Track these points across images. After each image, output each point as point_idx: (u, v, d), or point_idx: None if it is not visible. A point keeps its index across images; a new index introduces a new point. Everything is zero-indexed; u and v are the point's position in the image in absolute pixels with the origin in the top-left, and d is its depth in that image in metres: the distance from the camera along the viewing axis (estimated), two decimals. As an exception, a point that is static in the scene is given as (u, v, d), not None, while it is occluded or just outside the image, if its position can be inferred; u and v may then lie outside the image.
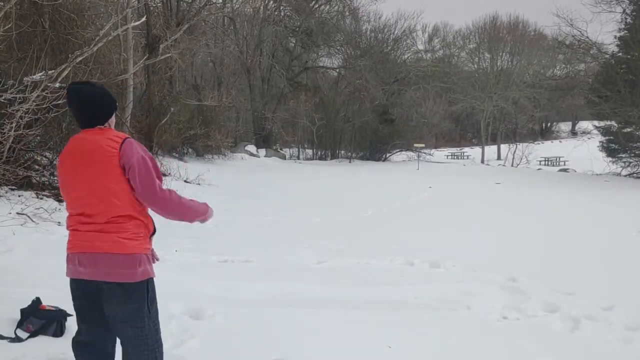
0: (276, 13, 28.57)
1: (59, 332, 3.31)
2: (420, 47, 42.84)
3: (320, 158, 28.06)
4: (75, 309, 2.37)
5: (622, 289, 6.11)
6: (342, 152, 28.82)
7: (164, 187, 2.34)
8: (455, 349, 4.15)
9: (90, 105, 2.28)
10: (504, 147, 36.91)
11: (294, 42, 28.66)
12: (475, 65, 43.01)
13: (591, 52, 23.69)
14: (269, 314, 4.11)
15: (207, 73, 29.05)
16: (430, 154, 30.32)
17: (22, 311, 3.40)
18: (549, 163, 33.36)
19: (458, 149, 46.13)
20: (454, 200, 13.46)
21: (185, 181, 13.11)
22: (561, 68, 46.96)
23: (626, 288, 6.19)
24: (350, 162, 26.16)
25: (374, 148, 28.43)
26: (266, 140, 26.74)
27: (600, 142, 22.90)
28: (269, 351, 3.62)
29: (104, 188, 2.21)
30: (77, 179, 2.25)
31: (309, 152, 29.63)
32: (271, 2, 27.98)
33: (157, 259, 2.45)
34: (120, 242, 2.21)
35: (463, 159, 38.85)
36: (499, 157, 37.67)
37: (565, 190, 15.88)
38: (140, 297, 2.29)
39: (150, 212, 2.39)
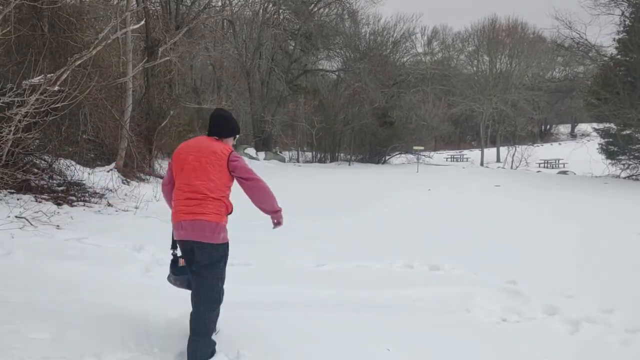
0: (275, 16, 28.61)
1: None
2: (420, 49, 42.97)
3: (320, 161, 28.07)
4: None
5: (622, 291, 6.11)
6: (342, 154, 28.83)
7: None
8: (454, 352, 4.14)
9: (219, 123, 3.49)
10: (503, 150, 36.93)
11: (293, 45, 28.69)
12: (475, 68, 43.07)
13: (590, 54, 23.72)
14: (269, 317, 4.10)
15: (206, 76, 29.10)
16: (429, 157, 30.34)
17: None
18: (549, 165, 33.36)
19: (457, 151, 46.15)
20: (454, 202, 13.45)
21: (185, 184, 13.08)
22: (560, 70, 47.04)
23: (626, 290, 6.18)
24: (349, 164, 26.16)
25: (373, 151, 28.44)
26: (266, 143, 26.76)
27: (599, 144, 22.88)
28: (268, 354, 3.62)
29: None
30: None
31: (309, 154, 29.64)
32: (270, 5, 28.03)
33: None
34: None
35: (462, 161, 38.87)
36: (498, 160, 37.69)
37: (564, 193, 15.88)
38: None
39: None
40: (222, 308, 3.57)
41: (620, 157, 21.47)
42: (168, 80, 17.85)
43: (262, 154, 24.95)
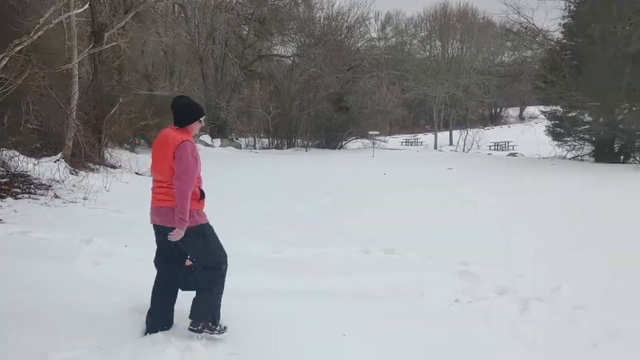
0: (228, 1, 28.08)
1: None
2: (374, 34, 43.10)
3: (277, 147, 27.92)
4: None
5: (569, 270, 6.34)
6: (299, 140, 28.76)
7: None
8: (408, 335, 4.20)
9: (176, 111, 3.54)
10: (455, 133, 37.70)
11: (247, 30, 28.26)
12: (427, 53, 43.63)
13: (537, 39, 24.31)
14: (223, 307, 4.05)
15: (158, 62, 28.29)
16: (385, 141, 30.63)
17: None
18: (499, 148, 34.28)
19: (412, 135, 46.80)
20: (408, 186, 13.62)
21: (137, 173, 12.77)
22: (509, 55, 48.23)
23: (573, 269, 6.41)
24: (306, 150, 26.15)
25: (329, 136, 28.49)
26: (221, 130, 26.38)
27: (546, 126, 23.54)
28: (222, 343, 3.59)
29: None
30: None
31: (265, 141, 29.42)
32: (223, -11, 27.47)
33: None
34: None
35: (417, 145, 39.47)
36: (451, 143, 38.47)
37: (514, 174, 16.33)
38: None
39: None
40: (178, 303, 3.55)
41: (566, 139, 22.18)
42: (117, 66, 17.29)
43: (217, 141, 24.59)
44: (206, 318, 3.52)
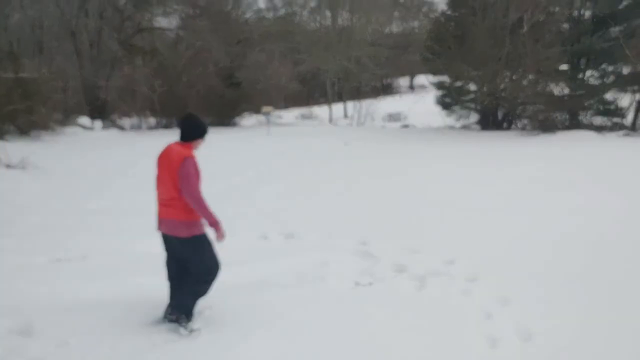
0: (100, -31, 25.69)
1: None
2: (262, 5, 41.89)
3: (165, 127, 26.33)
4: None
5: (462, 242, 6.41)
6: (189, 119, 27.35)
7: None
8: (309, 324, 4.14)
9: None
10: (350, 106, 38.03)
11: (124, 0, 26.10)
12: (318, 24, 43.33)
13: (423, 9, 24.81)
14: (110, 318, 3.56)
15: (25, 38, 25.45)
16: (280, 117, 30.06)
17: None
18: (392, 119, 35.10)
19: (307, 108, 46.68)
20: (305, 165, 13.32)
21: (8, 166, 11.26)
22: (397, 25, 49.34)
23: (466, 241, 6.50)
24: (197, 129, 24.90)
25: (222, 113, 27.32)
26: (102, 111, 24.37)
27: (435, 97, 24.31)
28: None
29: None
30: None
31: (152, 121, 27.70)
32: (93, -45, 25.02)
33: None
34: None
35: (312, 119, 39.43)
36: (345, 116, 38.76)
37: (407, 146, 16.61)
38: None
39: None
40: (58, 315, 3.04)
41: (453, 108, 23.02)
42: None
43: (98, 123, 22.68)
44: (181, 312, 3.92)
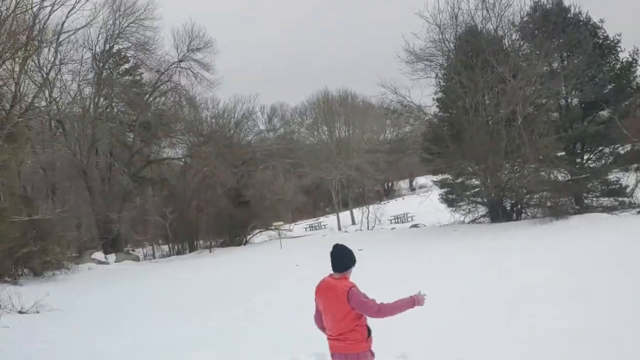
0: (108, 110, 27.29)
1: None
2: (262, 127, 43.90)
3: (178, 253, 26.46)
4: None
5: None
6: (201, 242, 27.55)
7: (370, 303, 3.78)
8: None
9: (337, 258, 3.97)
10: (356, 212, 38.37)
11: (132, 136, 27.42)
12: (316, 139, 45.06)
13: (414, 114, 25.74)
14: None
15: (38, 181, 26.35)
16: (290, 230, 30.29)
17: None
18: (399, 221, 35.23)
19: (314, 219, 47.07)
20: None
21: (20, 312, 11.05)
22: (391, 132, 51.26)
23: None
24: (210, 251, 24.99)
25: (232, 233, 27.58)
26: (115, 244, 24.61)
27: (439, 194, 24.63)
28: None
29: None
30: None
31: (165, 248, 27.85)
32: (102, 99, 26.69)
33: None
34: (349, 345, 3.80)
35: (321, 229, 39.62)
36: (353, 222, 39.03)
37: (425, 245, 16.54)
38: None
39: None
40: None
41: (459, 204, 23.20)
42: (-11, 192, 15.71)
43: (112, 257, 22.78)
44: None
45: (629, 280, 8.15)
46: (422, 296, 3.88)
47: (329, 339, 3.96)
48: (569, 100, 20.10)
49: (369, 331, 3.88)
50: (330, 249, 4.01)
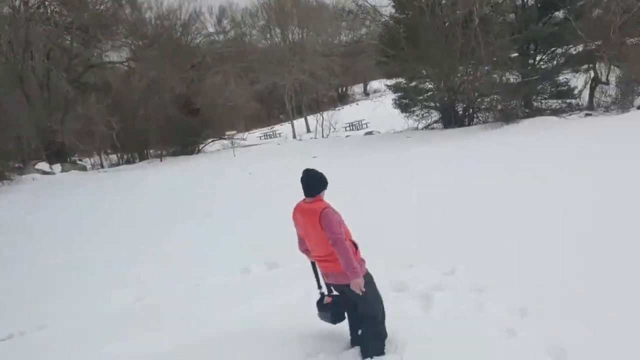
0: (41, 10, 25.03)
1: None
2: (211, 29, 41.62)
3: (128, 162, 25.76)
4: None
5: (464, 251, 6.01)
6: (152, 151, 26.78)
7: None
8: None
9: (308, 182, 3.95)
10: (311, 119, 37.93)
11: (70, 39, 25.46)
12: (269, 42, 43.31)
13: (370, 15, 24.81)
14: None
15: (-31, 89, 24.51)
16: (243, 139, 29.71)
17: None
18: (354, 128, 35.14)
19: (269, 128, 46.47)
20: (280, 184, 12.99)
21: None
22: (346, 34, 49.77)
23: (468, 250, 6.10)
24: (161, 160, 24.39)
25: (184, 142, 26.87)
26: (60, 155, 23.60)
27: (393, 99, 24.32)
28: None
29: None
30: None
31: (114, 157, 27.01)
32: (32, -2, 24.35)
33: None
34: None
35: (275, 137, 39.21)
36: (308, 130, 38.67)
37: (377, 153, 16.51)
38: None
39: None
40: None
41: (413, 109, 23.07)
42: None
43: (57, 167, 21.92)
44: (372, 354, 3.92)
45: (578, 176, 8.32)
46: (360, 285, 3.72)
47: (318, 260, 3.99)
48: (526, 0, 19.66)
49: (356, 245, 3.88)
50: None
